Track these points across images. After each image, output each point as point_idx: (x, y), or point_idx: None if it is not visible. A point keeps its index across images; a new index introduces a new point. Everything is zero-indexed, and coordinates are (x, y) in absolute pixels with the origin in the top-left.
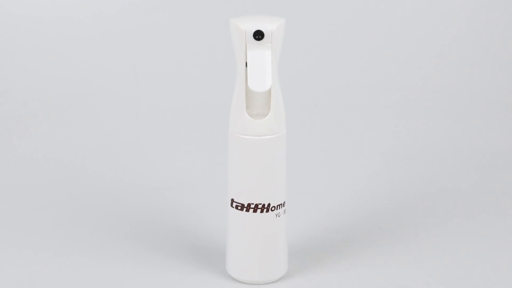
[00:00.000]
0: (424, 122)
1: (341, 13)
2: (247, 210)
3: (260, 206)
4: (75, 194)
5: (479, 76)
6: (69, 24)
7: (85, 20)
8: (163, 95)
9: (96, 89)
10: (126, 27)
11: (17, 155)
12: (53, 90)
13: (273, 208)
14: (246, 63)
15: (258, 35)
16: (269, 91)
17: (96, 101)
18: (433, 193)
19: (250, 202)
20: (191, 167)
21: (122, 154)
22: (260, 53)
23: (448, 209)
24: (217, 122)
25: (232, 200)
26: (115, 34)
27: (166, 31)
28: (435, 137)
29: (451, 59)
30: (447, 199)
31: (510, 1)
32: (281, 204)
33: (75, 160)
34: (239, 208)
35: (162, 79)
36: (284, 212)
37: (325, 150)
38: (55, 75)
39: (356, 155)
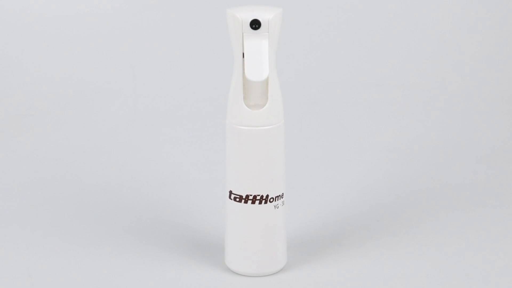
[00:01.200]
0: (422, 118)
1: (339, 10)
2: (245, 202)
3: (258, 197)
4: (73, 191)
5: (479, 71)
6: (65, 23)
7: (81, 18)
8: (160, 87)
9: (93, 87)
10: (122, 22)
11: (15, 153)
12: (50, 89)
13: (271, 200)
14: (243, 53)
15: (255, 24)
16: (266, 81)
17: (94, 99)
18: (431, 187)
19: (248, 193)
20: (189, 161)
21: (120, 151)
22: (257, 42)
23: (447, 203)
24: (214, 114)
25: (231, 192)
26: (110, 29)
27: (161, 22)
28: (433, 132)
29: (450, 55)
30: (446, 193)
31: None
32: (280, 195)
33: (73, 158)
34: (237, 199)
35: (159, 70)
36: (283, 204)
37: (324, 146)
38: (53, 74)
39: (355, 151)
